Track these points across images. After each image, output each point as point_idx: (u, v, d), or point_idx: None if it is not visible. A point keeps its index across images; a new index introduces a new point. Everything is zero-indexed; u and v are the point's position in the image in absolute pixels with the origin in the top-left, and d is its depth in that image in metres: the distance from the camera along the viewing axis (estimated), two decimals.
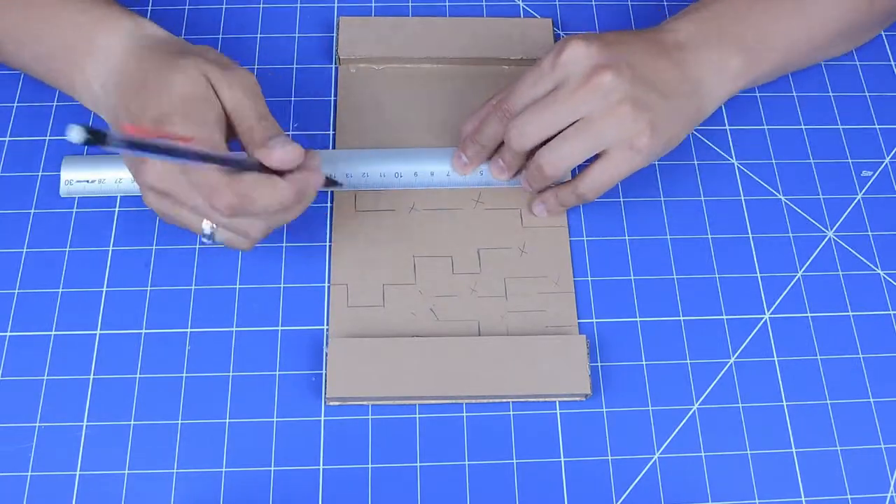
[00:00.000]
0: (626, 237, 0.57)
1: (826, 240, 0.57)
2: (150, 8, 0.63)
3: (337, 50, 0.61)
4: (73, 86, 0.52)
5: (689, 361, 0.53)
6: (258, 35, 0.63)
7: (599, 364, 0.53)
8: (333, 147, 0.59)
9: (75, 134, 0.35)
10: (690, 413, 0.52)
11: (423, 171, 0.57)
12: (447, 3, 0.65)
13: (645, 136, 0.51)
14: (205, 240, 0.48)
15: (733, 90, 0.56)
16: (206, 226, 0.47)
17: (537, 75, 0.52)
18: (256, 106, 0.47)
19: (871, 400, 0.53)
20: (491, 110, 0.54)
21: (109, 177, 0.56)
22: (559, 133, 0.51)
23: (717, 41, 0.55)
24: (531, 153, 0.53)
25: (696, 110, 0.54)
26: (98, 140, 0.36)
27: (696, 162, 0.60)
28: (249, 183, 0.45)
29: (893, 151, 0.61)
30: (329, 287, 0.54)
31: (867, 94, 0.63)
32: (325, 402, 0.51)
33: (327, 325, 0.53)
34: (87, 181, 0.56)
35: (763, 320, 0.55)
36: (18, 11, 0.52)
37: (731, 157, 0.60)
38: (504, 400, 0.51)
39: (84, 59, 0.50)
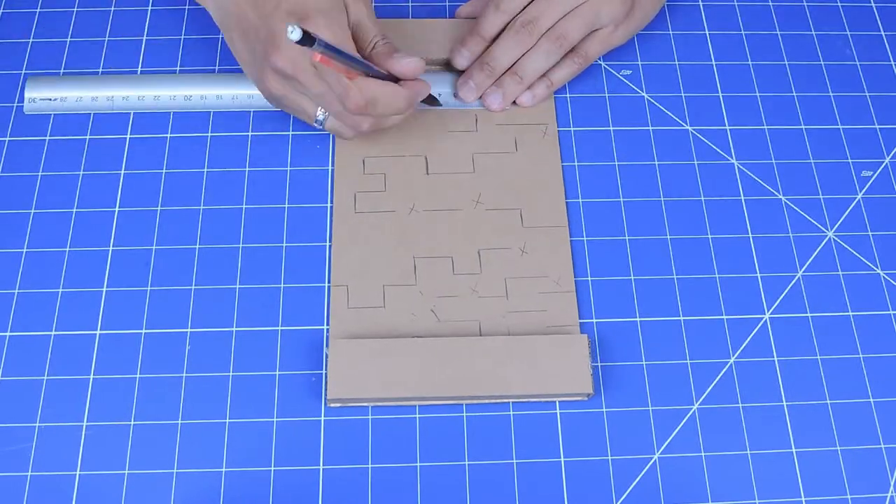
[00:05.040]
0: (626, 237, 0.57)
1: (826, 240, 0.57)
2: (150, 8, 0.63)
3: None
4: None
5: (689, 361, 0.53)
6: None
7: (600, 364, 0.53)
8: (333, 146, 0.59)
9: (294, 33, 0.43)
10: (690, 413, 0.52)
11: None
12: (447, 4, 0.65)
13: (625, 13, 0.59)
14: (316, 125, 0.55)
15: None
16: (320, 113, 0.54)
17: None
18: (376, 22, 0.54)
19: (871, 400, 0.53)
20: (495, 8, 0.59)
21: (71, 95, 0.59)
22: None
23: None
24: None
25: None
26: (307, 43, 0.44)
27: (696, 162, 0.60)
28: (376, 88, 0.51)
29: (893, 151, 0.61)
30: (329, 288, 0.54)
31: (867, 94, 0.63)
32: (326, 404, 0.51)
33: (327, 325, 0.53)
34: (50, 99, 0.59)
35: (763, 320, 0.55)
36: None
37: (731, 157, 0.60)
38: (506, 400, 0.51)
39: None
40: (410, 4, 0.65)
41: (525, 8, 0.59)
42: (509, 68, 0.59)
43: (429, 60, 0.61)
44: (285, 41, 0.50)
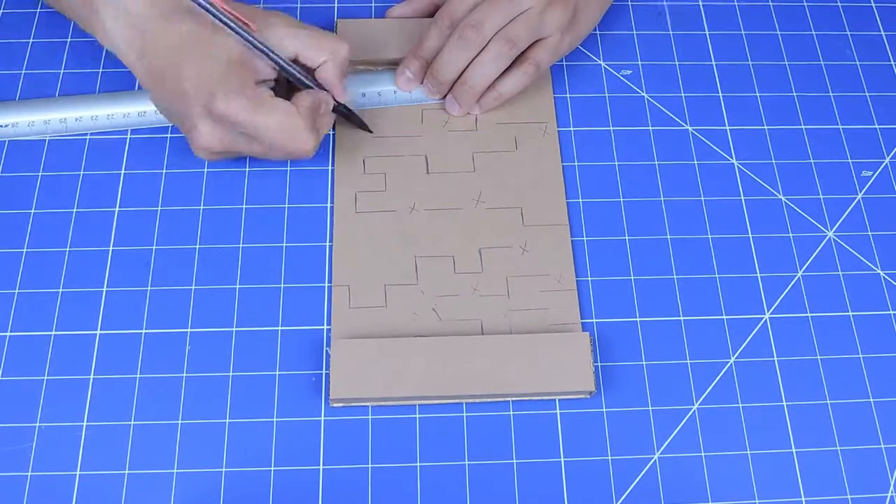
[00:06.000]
0: (626, 237, 0.57)
1: (826, 240, 0.58)
2: None
3: None
4: (94, 30, 0.53)
5: (689, 361, 0.53)
6: None
7: (600, 364, 0.53)
8: (333, 146, 0.59)
9: None
10: (690, 413, 0.52)
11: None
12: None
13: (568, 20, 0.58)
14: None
15: None
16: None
17: None
18: (321, 43, 0.55)
19: (871, 400, 0.53)
20: (434, 25, 0.59)
21: (23, 120, 0.58)
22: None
23: None
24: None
25: None
26: None
27: (696, 162, 0.60)
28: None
29: (893, 151, 0.61)
30: (330, 288, 0.54)
31: (867, 94, 0.63)
32: (328, 404, 0.51)
33: (328, 325, 0.53)
34: (1, 125, 0.58)
35: (763, 320, 0.55)
36: None
37: (731, 157, 0.60)
38: (510, 399, 0.51)
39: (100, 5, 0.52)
40: (373, 5, 0.65)
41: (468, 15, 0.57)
42: (459, 77, 0.58)
43: (377, 60, 0.61)
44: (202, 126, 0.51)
